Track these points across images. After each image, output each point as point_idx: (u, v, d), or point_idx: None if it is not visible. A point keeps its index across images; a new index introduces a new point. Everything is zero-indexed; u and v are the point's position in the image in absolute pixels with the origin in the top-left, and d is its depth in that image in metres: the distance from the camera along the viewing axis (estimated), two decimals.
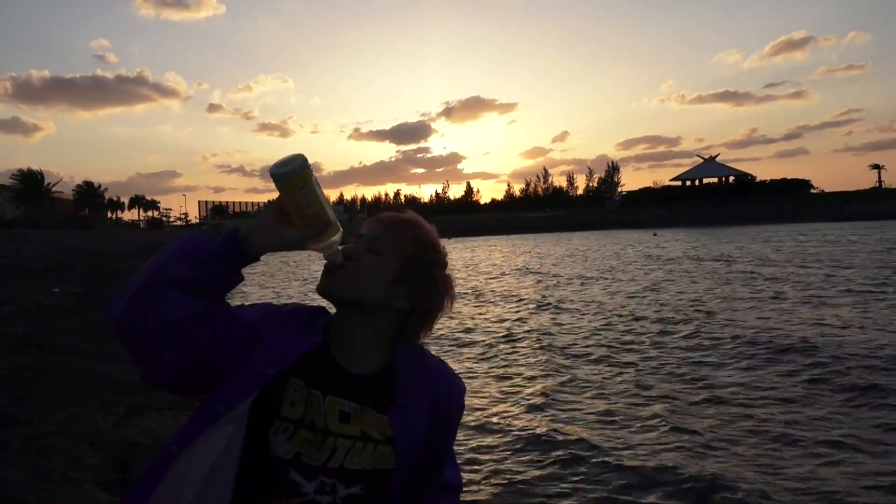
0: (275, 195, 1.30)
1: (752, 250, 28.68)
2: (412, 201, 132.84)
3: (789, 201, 78.98)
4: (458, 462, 1.64)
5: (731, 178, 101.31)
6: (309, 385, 1.32)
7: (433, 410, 1.40)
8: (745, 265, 21.82)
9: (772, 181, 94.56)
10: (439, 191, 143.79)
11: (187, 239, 1.27)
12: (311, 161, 1.27)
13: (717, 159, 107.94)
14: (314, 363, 1.33)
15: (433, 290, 1.41)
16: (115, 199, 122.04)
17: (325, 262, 1.34)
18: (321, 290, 1.35)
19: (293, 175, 1.24)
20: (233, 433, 1.25)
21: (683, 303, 13.82)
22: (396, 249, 1.37)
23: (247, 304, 1.41)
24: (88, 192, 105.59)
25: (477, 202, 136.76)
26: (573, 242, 46.37)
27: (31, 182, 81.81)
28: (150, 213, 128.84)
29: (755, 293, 14.78)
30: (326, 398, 1.32)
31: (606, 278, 20.18)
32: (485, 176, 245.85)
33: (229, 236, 1.26)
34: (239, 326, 1.31)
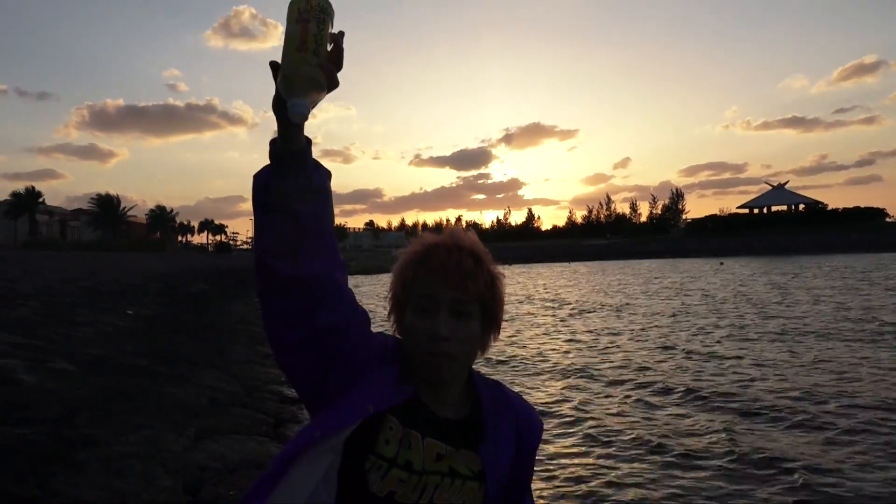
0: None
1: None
2: (473, 227, 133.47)
3: (863, 230, 76.10)
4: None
5: (801, 206, 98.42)
6: (405, 426, 1.32)
7: (517, 444, 1.44)
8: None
9: (844, 209, 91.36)
10: (500, 217, 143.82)
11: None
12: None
13: (786, 186, 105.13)
14: (408, 407, 1.34)
15: (502, 309, 1.44)
16: (185, 223, 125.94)
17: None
18: (440, 383, 1.37)
19: None
20: (331, 462, 1.26)
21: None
22: (478, 303, 1.36)
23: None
24: (161, 216, 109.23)
25: (538, 228, 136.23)
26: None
27: (107, 206, 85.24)
28: (218, 237, 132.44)
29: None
30: (425, 440, 1.33)
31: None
32: (545, 202, 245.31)
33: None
34: (370, 346, 1.34)
